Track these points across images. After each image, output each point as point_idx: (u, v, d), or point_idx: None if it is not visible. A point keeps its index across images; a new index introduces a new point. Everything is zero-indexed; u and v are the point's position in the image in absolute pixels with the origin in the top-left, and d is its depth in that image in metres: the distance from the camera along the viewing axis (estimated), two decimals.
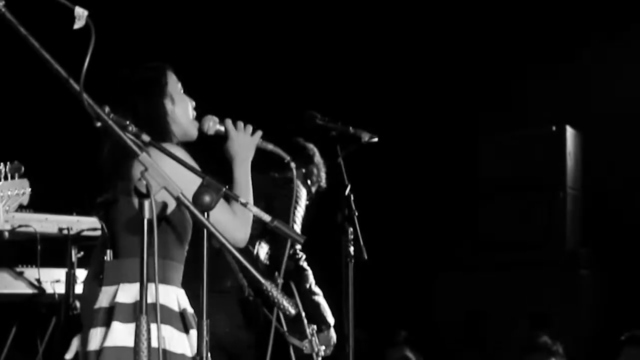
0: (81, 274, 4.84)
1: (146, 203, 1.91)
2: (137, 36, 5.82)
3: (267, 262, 4.16)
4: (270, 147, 2.88)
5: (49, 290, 4.74)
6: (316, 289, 4.25)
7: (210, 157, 2.73)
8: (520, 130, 6.63)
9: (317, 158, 4.59)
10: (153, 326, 2.02)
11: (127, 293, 2.60)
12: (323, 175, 4.57)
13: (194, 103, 2.85)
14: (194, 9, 6.45)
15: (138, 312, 1.97)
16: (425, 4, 6.78)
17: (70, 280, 4.70)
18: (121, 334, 2.53)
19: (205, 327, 2.37)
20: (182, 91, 2.83)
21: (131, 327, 2.51)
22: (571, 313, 6.18)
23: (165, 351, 2.51)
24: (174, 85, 2.81)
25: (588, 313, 6.31)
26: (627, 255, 6.45)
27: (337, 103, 6.10)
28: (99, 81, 2.68)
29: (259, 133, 2.86)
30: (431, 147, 6.94)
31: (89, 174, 2.74)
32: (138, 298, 2.54)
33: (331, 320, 4.27)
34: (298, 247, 4.14)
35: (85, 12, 1.89)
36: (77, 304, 4.67)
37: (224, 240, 2.05)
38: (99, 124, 2.04)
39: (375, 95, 6.87)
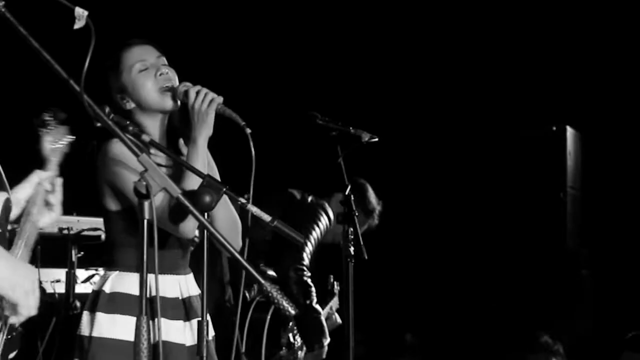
0: (81, 274, 4.84)
1: (146, 204, 1.91)
2: (137, 35, 5.81)
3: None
4: (227, 112, 2.60)
5: (49, 290, 4.74)
6: (317, 307, 4.17)
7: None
8: (520, 130, 6.62)
9: (372, 200, 4.53)
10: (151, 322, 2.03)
11: (118, 282, 2.62)
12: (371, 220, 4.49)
13: (163, 70, 2.70)
14: (195, 9, 6.45)
15: (138, 312, 1.97)
16: (426, 5, 6.78)
17: (70, 280, 4.70)
18: (106, 324, 2.57)
19: (205, 327, 2.38)
20: (142, 67, 2.70)
21: (115, 317, 2.56)
22: (571, 313, 6.18)
23: (164, 343, 2.52)
24: (129, 70, 2.69)
25: (588, 313, 6.31)
26: (627, 255, 6.45)
27: (338, 103, 6.10)
28: (99, 81, 2.69)
29: (217, 100, 2.61)
30: (431, 147, 6.94)
31: (89, 174, 2.74)
32: (126, 289, 2.58)
33: (326, 340, 4.21)
34: (305, 262, 4.07)
35: (85, 13, 1.89)
36: (77, 303, 4.67)
37: (224, 241, 2.05)
38: (99, 124, 2.05)
39: (374, 94, 6.87)
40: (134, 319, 2.42)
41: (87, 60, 1.90)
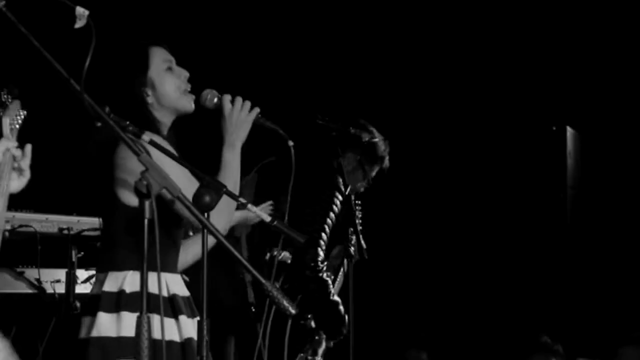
0: (81, 274, 4.84)
1: (146, 203, 1.91)
2: (138, 36, 5.82)
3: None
4: (268, 124, 2.75)
5: (49, 290, 4.73)
6: (336, 299, 4.10)
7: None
8: (520, 130, 6.63)
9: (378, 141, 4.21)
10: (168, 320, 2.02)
11: (113, 282, 2.62)
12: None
13: (186, 74, 2.80)
14: (196, 7, 6.45)
15: (140, 310, 1.97)
16: (427, 5, 6.78)
17: (71, 280, 4.69)
18: (106, 323, 2.56)
19: (205, 327, 2.38)
20: (169, 65, 2.78)
21: (115, 316, 2.55)
22: (571, 313, 6.18)
23: (154, 340, 2.52)
24: (157, 66, 2.77)
25: (588, 313, 6.31)
26: (627, 255, 6.45)
27: (338, 103, 6.10)
28: (100, 81, 2.69)
29: (256, 110, 2.75)
30: (431, 147, 6.94)
31: (88, 173, 2.74)
32: (123, 287, 2.58)
33: (345, 330, 4.17)
34: (320, 257, 4.04)
35: (86, 12, 1.89)
36: (77, 304, 4.66)
37: (223, 240, 2.05)
38: (99, 124, 2.05)
39: (375, 95, 6.86)
40: (156, 317, 2.42)
41: (87, 60, 1.90)
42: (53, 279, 4.76)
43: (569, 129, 6.48)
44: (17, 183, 2.32)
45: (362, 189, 4.31)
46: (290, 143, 2.65)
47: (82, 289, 4.79)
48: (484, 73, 6.81)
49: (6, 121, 2.31)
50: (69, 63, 1.99)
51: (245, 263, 2.03)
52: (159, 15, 6.13)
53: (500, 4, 6.67)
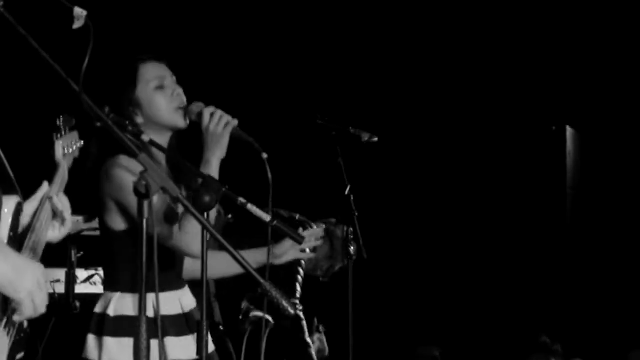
0: (81, 274, 4.84)
1: (145, 204, 1.91)
2: (138, 35, 5.82)
3: None
4: (244, 137, 2.60)
5: (49, 290, 4.72)
6: (308, 340, 4.11)
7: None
8: (520, 130, 6.62)
9: None
10: (153, 342, 1.99)
11: (103, 302, 2.63)
12: None
13: (179, 91, 2.72)
14: (195, 9, 6.44)
15: (137, 333, 1.95)
16: (426, 5, 6.78)
17: (71, 280, 4.69)
18: (114, 348, 2.56)
19: (205, 328, 2.38)
20: (159, 84, 2.70)
21: (122, 341, 2.54)
22: (571, 312, 6.18)
23: None
24: (146, 84, 2.69)
25: (587, 312, 6.30)
26: (627, 255, 6.44)
27: (338, 103, 6.10)
28: (99, 81, 2.69)
29: (232, 124, 2.61)
30: (431, 147, 6.93)
31: (88, 175, 2.74)
32: (107, 310, 2.58)
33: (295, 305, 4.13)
34: (298, 295, 4.02)
35: (85, 13, 1.89)
36: (77, 303, 4.66)
37: (225, 243, 2.04)
38: (98, 124, 2.04)
39: (375, 95, 6.86)
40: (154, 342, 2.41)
41: (86, 61, 1.90)
42: (53, 279, 4.77)
43: (568, 128, 6.48)
44: (57, 233, 2.31)
45: None
46: (265, 156, 2.50)
47: (81, 288, 4.79)
48: (484, 73, 6.80)
49: (59, 144, 2.30)
50: (69, 63, 1.99)
51: (245, 264, 2.02)
52: (159, 16, 6.13)
53: (500, 4, 6.66)
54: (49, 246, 4.43)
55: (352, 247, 3.93)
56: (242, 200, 2.43)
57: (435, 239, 6.87)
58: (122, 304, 2.59)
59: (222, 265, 2.78)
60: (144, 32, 5.83)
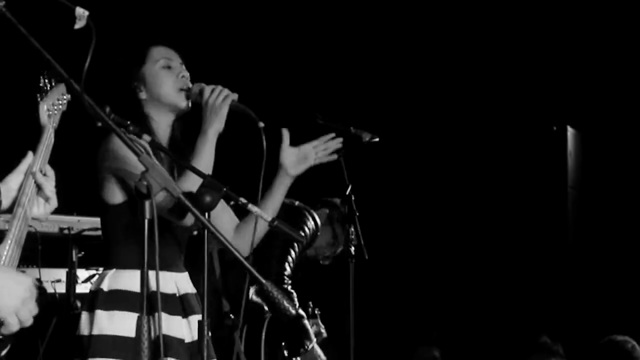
0: (81, 273, 4.84)
1: (147, 203, 1.91)
2: (138, 35, 5.82)
3: None
4: (241, 107, 2.66)
5: (50, 290, 4.73)
6: (300, 312, 4.10)
7: None
8: (520, 130, 6.62)
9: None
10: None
11: (115, 279, 2.64)
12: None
13: (186, 74, 2.79)
14: (195, 9, 6.45)
15: (139, 309, 1.97)
16: (427, 5, 6.78)
17: (71, 280, 4.69)
18: (106, 321, 2.58)
19: (205, 327, 2.38)
20: (167, 64, 2.78)
21: (114, 314, 2.57)
22: (571, 312, 6.18)
23: (165, 337, 2.53)
24: (154, 62, 2.77)
25: (587, 312, 6.31)
26: (627, 255, 6.45)
27: (338, 103, 6.10)
28: (100, 81, 2.69)
29: (231, 97, 2.67)
30: (432, 147, 6.94)
31: (89, 173, 2.75)
32: (124, 286, 2.59)
33: (310, 344, 4.16)
34: (287, 272, 4.05)
35: (86, 13, 1.89)
36: (78, 303, 4.66)
37: (225, 241, 2.05)
38: (99, 124, 2.04)
39: (375, 95, 6.86)
40: (133, 315, 2.44)
41: (87, 61, 1.90)
42: (54, 279, 4.77)
43: (569, 128, 6.48)
44: (42, 210, 2.18)
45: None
46: (261, 124, 2.56)
47: (82, 288, 4.79)
48: (484, 73, 6.80)
49: (43, 107, 2.23)
50: (69, 63, 1.99)
51: (246, 264, 2.02)
52: (159, 15, 6.13)
53: (500, 4, 6.67)
54: (50, 246, 4.42)
55: (352, 247, 3.93)
56: (242, 200, 2.43)
57: (436, 239, 6.88)
58: (116, 279, 2.63)
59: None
60: (144, 32, 5.83)
